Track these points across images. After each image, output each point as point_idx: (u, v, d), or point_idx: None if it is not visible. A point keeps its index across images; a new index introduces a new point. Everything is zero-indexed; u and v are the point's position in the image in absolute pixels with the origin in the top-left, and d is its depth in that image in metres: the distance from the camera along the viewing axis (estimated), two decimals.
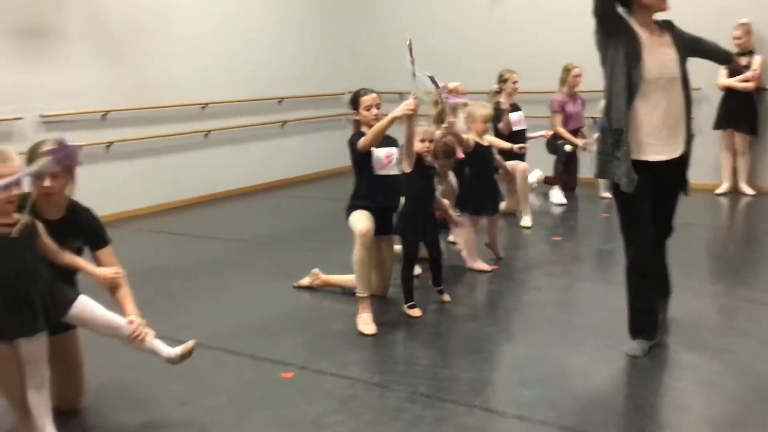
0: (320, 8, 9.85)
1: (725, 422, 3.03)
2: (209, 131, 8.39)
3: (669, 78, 3.35)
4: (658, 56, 3.34)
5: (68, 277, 3.07)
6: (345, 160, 10.71)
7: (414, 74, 4.02)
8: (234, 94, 8.58)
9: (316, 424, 3.09)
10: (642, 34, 3.34)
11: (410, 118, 4.04)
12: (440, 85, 4.37)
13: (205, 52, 8.25)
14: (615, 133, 3.39)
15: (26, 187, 2.84)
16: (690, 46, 3.48)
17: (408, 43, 4.01)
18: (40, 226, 2.86)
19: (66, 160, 2.68)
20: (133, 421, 3.19)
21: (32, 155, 2.87)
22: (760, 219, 6.91)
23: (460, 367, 3.70)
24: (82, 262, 3.07)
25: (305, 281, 4.90)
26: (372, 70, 9.29)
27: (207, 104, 8.30)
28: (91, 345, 3.33)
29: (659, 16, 3.47)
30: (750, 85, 7.25)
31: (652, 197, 3.47)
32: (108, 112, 7.28)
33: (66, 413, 3.14)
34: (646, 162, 3.41)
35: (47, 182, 2.80)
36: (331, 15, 9.99)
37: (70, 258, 2.98)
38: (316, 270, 4.89)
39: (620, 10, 3.36)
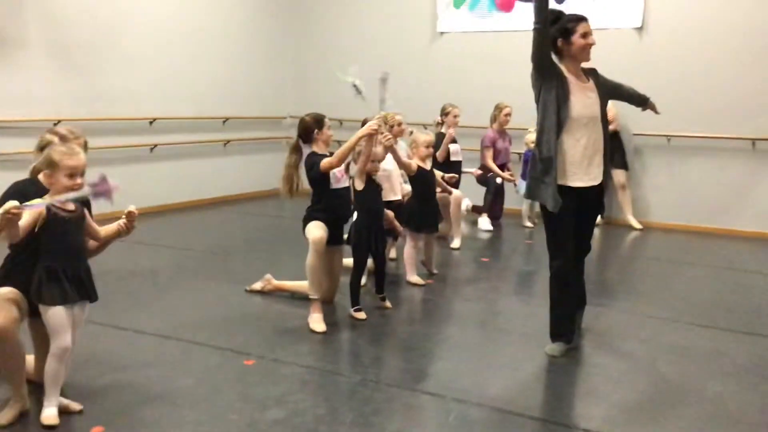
0: (269, 34, 10.33)
1: (627, 407, 3.59)
2: (155, 145, 8.67)
3: (591, 117, 3.97)
4: (582, 98, 3.95)
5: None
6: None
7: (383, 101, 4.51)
8: (181, 110, 8.91)
9: (280, 400, 3.49)
10: (570, 78, 3.96)
11: (371, 138, 4.52)
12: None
13: (156, 68, 8.58)
14: (544, 162, 3.97)
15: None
16: (611, 91, 4.12)
17: (382, 76, 4.51)
18: (87, 213, 3.32)
19: (103, 195, 3.09)
20: (111, 396, 3.50)
21: (42, 148, 3.29)
22: (651, 249, 7.68)
23: (402, 359, 4.18)
24: (110, 227, 3.49)
25: (257, 285, 5.28)
26: (315, 96, 9.78)
27: (155, 119, 8.59)
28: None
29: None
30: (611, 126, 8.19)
31: (574, 218, 4.06)
32: (59, 121, 7.48)
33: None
34: (570, 187, 4.00)
35: (80, 180, 3.18)
36: (278, 41, 10.48)
37: (105, 231, 3.45)
38: (268, 275, 5.28)
39: (554, 58, 3.97)
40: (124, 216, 3.45)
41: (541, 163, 4.01)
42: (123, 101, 8.19)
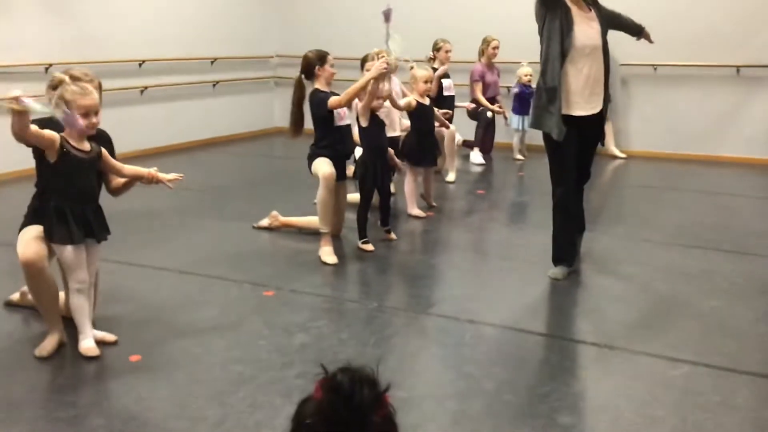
0: None
1: (628, 322, 3.82)
2: (145, 88, 8.65)
3: (593, 47, 4.08)
4: (585, 28, 4.06)
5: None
6: (272, 122, 11.13)
7: (388, 36, 4.57)
8: (170, 52, 8.85)
9: (303, 326, 3.67)
10: (573, 9, 4.05)
11: (381, 78, 4.60)
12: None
13: (144, 10, 8.50)
14: (549, 91, 4.09)
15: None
16: (611, 21, 4.23)
17: (385, 11, 4.56)
18: (105, 152, 3.38)
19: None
20: (141, 329, 3.66)
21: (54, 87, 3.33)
22: (638, 177, 7.88)
23: (412, 287, 4.38)
24: (138, 168, 3.57)
25: (264, 222, 5.42)
26: (301, 34, 9.74)
27: (144, 61, 8.55)
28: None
29: None
30: None
31: (576, 146, 4.21)
32: (51, 65, 7.44)
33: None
34: (572, 116, 4.14)
35: (95, 119, 3.25)
36: None
37: (130, 168, 3.53)
38: (274, 212, 5.41)
39: None
40: (155, 173, 3.51)
41: (546, 93, 4.13)
42: (112, 44, 8.11)
